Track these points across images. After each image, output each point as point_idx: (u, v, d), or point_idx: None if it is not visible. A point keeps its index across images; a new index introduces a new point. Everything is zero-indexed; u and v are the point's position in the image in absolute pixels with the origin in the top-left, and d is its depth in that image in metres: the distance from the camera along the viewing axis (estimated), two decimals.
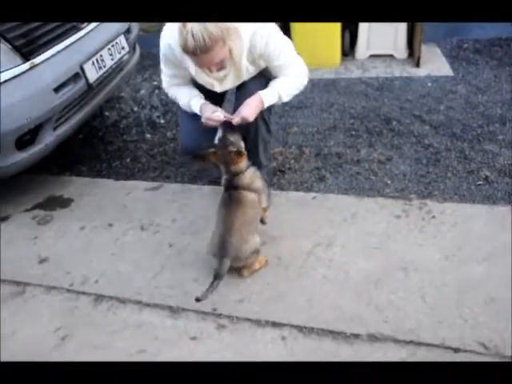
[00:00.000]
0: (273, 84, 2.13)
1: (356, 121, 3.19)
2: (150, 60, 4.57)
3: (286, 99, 2.18)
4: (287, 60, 2.10)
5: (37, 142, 2.49)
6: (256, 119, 2.11)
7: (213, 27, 1.73)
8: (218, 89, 2.15)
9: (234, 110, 2.13)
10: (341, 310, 1.90)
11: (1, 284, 2.22)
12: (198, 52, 1.76)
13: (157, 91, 3.98)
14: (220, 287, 2.00)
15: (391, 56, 4.09)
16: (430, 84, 3.57)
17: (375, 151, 2.86)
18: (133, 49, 3.31)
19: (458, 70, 3.74)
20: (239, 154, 1.99)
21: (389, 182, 2.59)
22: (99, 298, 2.08)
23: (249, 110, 2.04)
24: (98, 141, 3.39)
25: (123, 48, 3.09)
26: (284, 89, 2.14)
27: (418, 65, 3.83)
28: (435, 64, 3.88)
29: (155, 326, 1.93)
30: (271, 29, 2.03)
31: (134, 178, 2.91)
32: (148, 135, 3.36)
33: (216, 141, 2.06)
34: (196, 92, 2.19)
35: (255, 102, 2.07)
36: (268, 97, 2.11)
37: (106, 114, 3.71)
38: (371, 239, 2.22)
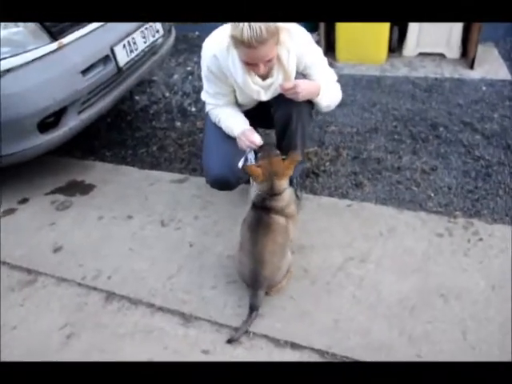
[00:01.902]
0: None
1: (399, 124, 2.95)
2: (184, 44, 4.45)
3: (323, 105, 2.04)
4: (327, 73, 2.05)
5: (60, 126, 2.38)
6: (299, 102, 1.94)
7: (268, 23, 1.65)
8: (264, 97, 1.99)
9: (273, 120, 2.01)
10: (369, 336, 1.71)
11: (6, 271, 2.13)
12: (253, 43, 1.63)
13: (190, 77, 3.83)
14: (240, 299, 1.87)
15: (442, 55, 3.81)
16: (484, 88, 3.28)
17: (419, 159, 2.63)
18: (168, 32, 3.16)
19: None
20: (292, 157, 1.81)
21: (432, 194, 2.37)
22: (110, 296, 1.96)
23: (306, 86, 1.89)
24: (125, 126, 3.27)
25: (157, 31, 2.95)
26: (328, 95, 2.02)
27: (472, 66, 3.54)
28: (491, 66, 3.57)
29: (166, 333, 1.79)
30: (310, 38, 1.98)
31: (159, 168, 2.77)
32: (178, 123, 3.21)
33: (240, 165, 1.93)
34: (241, 115, 2.06)
35: (315, 85, 1.95)
36: (324, 91, 1.97)
37: (136, 98, 3.58)
38: (409, 258, 2.01)
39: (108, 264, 2.12)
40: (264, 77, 1.92)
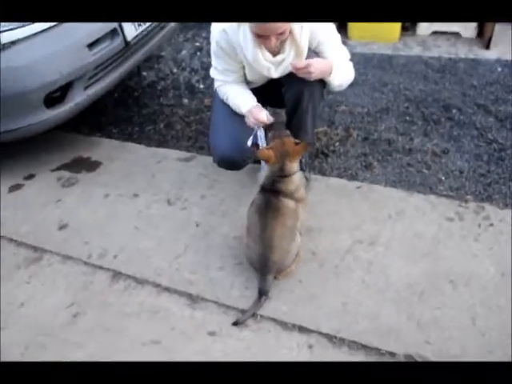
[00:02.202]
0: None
1: (411, 105, 2.88)
2: None
3: (335, 84, 1.98)
4: (340, 51, 1.99)
5: (66, 101, 2.34)
6: (312, 84, 1.89)
7: None
8: (275, 74, 1.93)
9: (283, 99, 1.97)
10: (377, 321, 1.70)
11: (12, 249, 2.12)
12: None
13: (198, 53, 3.75)
14: (247, 280, 1.85)
15: (457, 34, 3.70)
16: (499, 69, 3.19)
17: (430, 141, 2.57)
18: None
19: None
20: (304, 145, 1.77)
21: (443, 178, 2.32)
22: (116, 275, 1.95)
23: (319, 65, 1.83)
24: (132, 102, 3.21)
25: None
26: (340, 73, 1.96)
27: (487, 46, 3.43)
28: (507, 47, 3.46)
29: (173, 313, 1.79)
30: None
31: (166, 146, 2.73)
32: (185, 100, 3.15)
33: (249, 143, 1.89)
34: (249, 92, 2.00)
35: (328, 64, 1.89)
36: (337, 69, 1.91)
37: (144, 73, 3.52)
38: (418, 242, 1.98)
39: (114, 243, 2.11)
40: (275, 53, 1.87)
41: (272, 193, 1.77)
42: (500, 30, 3.49)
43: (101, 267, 1.99)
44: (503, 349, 1.58)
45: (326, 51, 1.95)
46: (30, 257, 2.08)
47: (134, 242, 2.09)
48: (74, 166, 2.62)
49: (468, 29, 3.63)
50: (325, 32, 1.92)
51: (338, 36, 1.99)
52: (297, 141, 1.80)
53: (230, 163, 2.05)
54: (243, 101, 1.97)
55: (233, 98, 2.01)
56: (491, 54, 3.38)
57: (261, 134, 1.94)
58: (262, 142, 1.93)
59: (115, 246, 2.08)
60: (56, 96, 2.30)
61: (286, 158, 1.74)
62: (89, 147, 2.76)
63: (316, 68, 1.81)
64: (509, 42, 3.52)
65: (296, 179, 1.79)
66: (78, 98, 2.37)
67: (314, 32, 1.87)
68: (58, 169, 2.62)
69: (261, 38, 1.73)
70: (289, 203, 1.76)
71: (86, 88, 2.40)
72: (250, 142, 1.91)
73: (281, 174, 1.76)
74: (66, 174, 2.57)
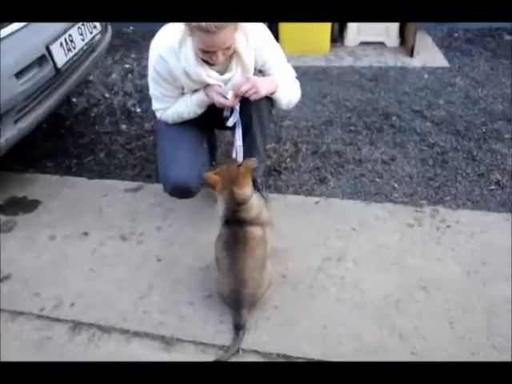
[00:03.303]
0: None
1: (353, 115, 2.95)
2: (119, 39, 4.18)
3: (283, 102, 1.96)
4: (285, 69, 1.98)
5: None
6: (258, 101, 1.84)
7: None
8: None
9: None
10: (361, 339, 1.67)
11: None
12: (212, 27, 1.53)
13: (130, 75, 3.60)
14: (221, 314, 1.75)
15: (381, 44, 3.87)
16: (426, 76, 3.37)
17: (377, 150, 2.64)
18: (105, 28, 2.92)
19: (453, 60, 3.57)
20: (247, 164, 1.70)
21: (396, 185, 2.38)
22: (77, 325, 1.76)
23: (264, 82, 1.80)
24: (65, 132, 2.99)
25: (95, 27, 2.71)
26: (287, 90, 1.95)
27: (411, 54, 3.63)
28: (429, 54, 3.68)
29: (147, 360, 1.64)
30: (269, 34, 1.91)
31: (109, 177, 2.56)
32: (123, 126, 2.99)
33: (229, 118, 1.83)
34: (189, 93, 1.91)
35: (271, 81, 1.86)
36: (282, 86, 1.89)
37: (74, 100, 3.30)
38: (385, 252, 2.00)
39: (69, 289, 1.91)
40: (221, 71, 1.81)
41: (236, 224, 1.68)
42: (420, 38, 3.70)
43: (58, 319, 1.79)
44: (484, 349, 1.61)
45: (271, 69, 1.93)
46: None
47: (92, 286, 1.91)
48: (9, 207, 2.37)
49: (391, 38, 3.81)
50: (270, 50, 1.91)
51: (282, 54, 1.98)
52: (239, 163, 1.73)
53: (184, 191, 1.95)
54: (191, 95, 1.88)
55: (179, 107, 1.92)
56: (416, 62, 3.58)
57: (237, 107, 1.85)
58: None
59: (71, 294, 1.89)
60: None
61: (234, 184, 1.66)
62: (23, 185, 2.52)
63: (261, 86, 1.78)
64: (428, 49, 3.75)
65: (254, 204, 1.71)
66: (8, 134, 2.15)
67: (258, 50, 1.84)
68: None
69: (207, 53, 1.66)
70: (255, 232, 1.68)
71: (16, 121, 2.19)
72: (230, 123, 1.85)
73: (235, 203, 1.67)
74: (0, 217, 2.31)
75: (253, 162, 1.73)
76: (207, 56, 1.68)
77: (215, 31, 1.54)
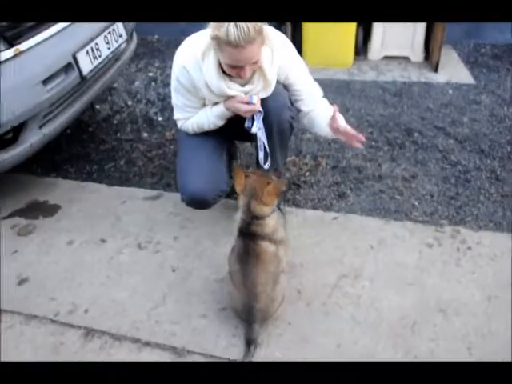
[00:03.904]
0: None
1: (375, 130, 2.92)
2: (144, 48, 4.24)
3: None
4: (311, 86, 1.97)
5: (20, 142, 2.15)
6: (280, 114, 1.86)
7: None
8: None
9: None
10: (375, 359, 1.64)
11: None
12: (241, 42, 1.52)
13: (153, 83, 3.64)
14: (234, 327, 1.74)
15: (406, 58, 3.83)
16: (451, 92, 3.32)
17: (398, 166, 2.60)
18: (130, 36, 2.96)
19: (478, 77, 3.51)
20: (275, 184, 1.66)
21: (416, 203, 2.34)
22: (90, 332, 1.77)
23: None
24: (87, 138, 3.04)
25: (121, 35, 2.75)
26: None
27: (436, 70, 3.58)
28: (454, 69, 3.63)
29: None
30: (292, 48, 1.91)
31: (129, 184, 2.58)
32: (145, 134, 3.02)
33: (251, 127, 1.83)
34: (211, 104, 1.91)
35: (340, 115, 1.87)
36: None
37: (97, 107, 3.35)
38: (403, 272, 1.96)
39: (84, 296, 1.92)
40: (242, 83, 1.81)
41: (249, 237, 1.67)
42: (443, 53, 3.65)
43: (71, 325, 1.80)
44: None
45: (294, 84, 1.92)
46: None
47: (107, 294, 1.93)
48: (30, 211, 2.41)
49: (416, 53, 3.77)
50: (293, 64, 1.89)
51: (307, 71, 1.96)
52: (269, 180, 1.70)
53: (201, 202, 1.95)
54: (212, 107, 1.88)
55: (201, 117, 1.92)
56: (440, 78, 3.53)
57: (259, 116, 1.84)
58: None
59: (86, 300, 1.90)
60: (8, 138, 2.10)
61: (254, 198, 1.65)
62: (44, 189, 2.56)
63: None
64: (453, 65, 3.69)
65: (271, 222, 1.69)
66: (33, 139, 2.19)
67: (282, 66, 1.83)
68: (11, 215, 2.39)
69: (234, 69, 1.66)
70: (268, 247, 1.66)
71: (41, 127, 2.23)
72: (255, 128, 1.84)
73: (250, 215, 1.66)
74: (21, 220, 2.35)
75: (282, 183, 1.71)
76: (234, 72, 1.68)
77: (244, 45, 1.54)
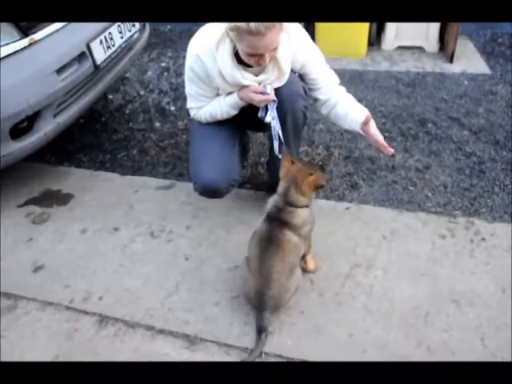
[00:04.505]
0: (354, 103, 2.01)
1: (388, 120, 2.90)
2: (156, 38, 4.24)
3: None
4: (327, 74, 1.96)
5: (34, 131, 2.17)
6: (294, 104, 1.86)
7: None
8: None
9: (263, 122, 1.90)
10: (387, 349, 1.64)
11: None
12: (261, 29, 1.51)
13: (165, 73, 3.64)
14: (246, 315, 1.75)
15: (420, 48, 3.78)
16: (466, 82, 3.28)
17: (411, 157, 2.58)
18: (143, 26, 2.96)
19: (494, 67, 3.45)
20: (317, 177, 1.68)
21: (429, 194, 2.32)
22: (104, 319, 1.79)
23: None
24: (100, 127, 3.05)
25: (134, 25, 2.75)
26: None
27: (451, 60, 3.53)
28: (470, 60, 3.58)
29: (171, 358, 1.65)
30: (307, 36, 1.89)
31: (141, 174, 2.59)
32: (157, 124, 3.03)
33: (265, 117, 1.83)
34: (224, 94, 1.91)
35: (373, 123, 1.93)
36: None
37: (110, 97, 3.37)
38: (416, 262, 1.95)
39: (98, 283, 1.95)
40: (256, 73, 1.80)
41: (276, 223, 1.67)
42: (459, 43, 3.59)
43: (85, 312, 1.82)
44: None
45: (311, 73, 1.91)
46: (3, 305, 1.88)
47: (120, 282, 1.94)
48: (44, 199, 2.43)
49: (431, 43, 3.72)
50: (309, 53, 1.88)
51: (322, 57, 1.95)
52: (312, 171, 1.70)
53: (213, 192, 1.95)
54: (226, 97, 1.88)
55: (213, 106, 1.92)
56: (455, 68, 3.48)
57: (273, 105, 1.84)
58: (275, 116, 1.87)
59: (100, 287, 1.92)
60: (23, 126, 2.12)
61: (293, 185, 1.67)
62: (58, 178, 2.58)
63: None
64: (469, 55, 3.64)
65: (303, 214, 1.69)
66: (48, 127, 2.21)
67: (296, 53, 1.82)
68: (26, 204, 2.42)
69: (254, 57, 1.65)
70: (292, 237, 1.67)
71: (55, 116, 2.24)
72: (269, 117, 1.84)
73: (286, 202, 1.67)
74: (35, 209, 2.38)
75: (324, 178, 1.70)
76: (254, 60, 1.66)
77: (264, 33, 1.53)
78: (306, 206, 1.71)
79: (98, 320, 1.79)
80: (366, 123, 1.86)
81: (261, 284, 1.64)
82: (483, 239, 2.05)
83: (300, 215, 1.68)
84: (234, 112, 1.91)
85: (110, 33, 2.47)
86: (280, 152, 1.93)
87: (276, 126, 1.87)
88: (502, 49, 3.73)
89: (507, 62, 3.50)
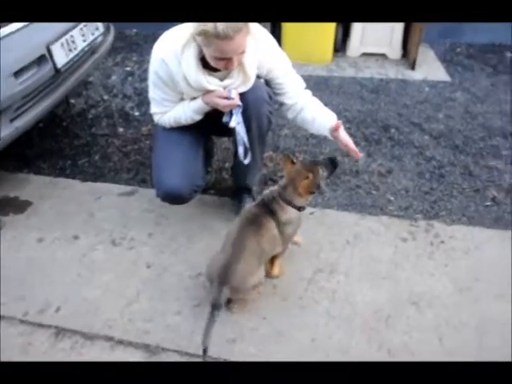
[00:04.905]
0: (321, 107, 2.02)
1: (352, 125, 2.94)
2: (122, 42, 4.18)
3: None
4: (293, 78, 1.95)
5: None
6: (259, 109, 1.86)
7: None
8: None
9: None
10: (349, 353, 1.65)
11: None
12: (230, 33, 1.50)
13: (130, 78, 3.59)
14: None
15: (383, 55, 3.86)
16: (427, 89, 3.36)
17: (374, 162, 2.61)
18: (107, 29, 2.91)
19: (454, 75, 3.56)
20: (308, 182, 1.72)
21: (391, 198, 2.36)
22: (60, 332, 1.73)
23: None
24: (61, 132, 2.97)
25: (97, 28, 2.70)
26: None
27: (413, 67, 3.62)
28: (431, 67, 3.68)
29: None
30: (274, 41, 1.88)
31: (103, 180, 2.53)
32: (120, 129, 2.98)
33: (230, 122, 1.81)
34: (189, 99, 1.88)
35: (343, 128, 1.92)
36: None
37: (72, 101, 3.29)
38: (378, 266, 1.98)
39: (55, 294, 1.88)
40: (221, 78, 1.79)
41: (266, 210, 1.72)
42: (420, 51, 3.69)
43: (41, 325, 1.75)
44: None
45: (277, 77, 1.91)
46: None
47: (79, 292, 1.88)
48: (0, 207, 2.35)
49: (394, 50, 3.80)
50: (275, 58, 1.88)
51: (289, 64, 1.95)
52: (308, 175, 1.73)
53: (176, 198, 1.93)
54: (190, 102, 1.86)
55: (177, 111, 1.89)
56: (417, 75, 3.57)
57: (238, 110, 1.82)
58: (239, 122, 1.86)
59: (57, 299, 1.86)
60: None
61: (291, 184, 1.73)
62: (15, 185, 2.49)
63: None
64: (430, 62, 3.74)
65: (292, 213, 1.74)
66: (4, 132, 2.13)
67: (263, 58, 1.82)
68: None
69: (222, 61, 1.64)
70: (274, 230, 1.72)
71: (12, 120, 2.17)
72: (234, 122, 1.83)
73: (282, 196, 1.72)
74: None
75: (313, 183, 1.73)
76: (222, 64, 1.64)
77: (232, 36, 1.52)
78: (299, 209, 1.76)
79: (54, 333, 1.73)
80: (335, 129, 1.87)
81: (230, 257, 1.64)
82: (442, 242, 2.10)
83: (288, 213, 1.73)
84: (198, 117, 1.89)
85: (71, 35, 2.42)
86: (245, 158, 1.92)
87: (241, 131, 1.86)
88: (460, 58, 3.85)
89: (465, 71, 3.62)
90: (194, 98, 1.84)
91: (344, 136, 1.90)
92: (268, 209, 1.73)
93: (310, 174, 1.72)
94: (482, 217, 2.23)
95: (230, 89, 1.77)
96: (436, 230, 2.16)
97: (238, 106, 1.80)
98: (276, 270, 1.91)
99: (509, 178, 2.47)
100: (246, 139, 1.89)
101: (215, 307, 1.63)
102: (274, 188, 1.79)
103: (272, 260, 1.87)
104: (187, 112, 1.87)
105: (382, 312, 1.79)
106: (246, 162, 1.94)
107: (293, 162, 1.79)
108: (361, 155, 1.91)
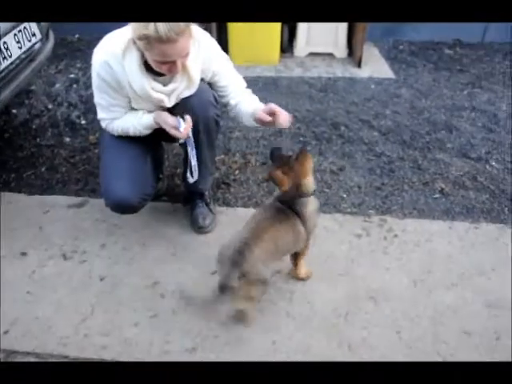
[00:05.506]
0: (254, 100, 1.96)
1: (302, 125, 2.97)
2: (64, 48, 4.04)
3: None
4: (236, 79, 1.96)
5: None
6: (205, 113, 1.85)
7: None
8: (169, 104, 1.82)
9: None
10: (310, 352, 1.66)
11: None
12: (172, 36, 1.48)
13: (75, 85, 3.47)
14: (166, 334, 1.69)
15: (330, 55, 3.93)
16: (373, 86, 3.45)
17: (326, 160, 2.65)
18: (46, 36, 2.80)
19: (398, 72, 3.67)
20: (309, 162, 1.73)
21: (344, 195, 2.40)
22: (10, 355, 1.65)
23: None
24: (4, 144, 2.83)
25: (34, 34, 2.59)
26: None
27: (359, 65, 3.70)
28: (376, 65, 3.77)
29: None
30: (216, 45, 1.89)
31: (51, 192, 2.43)
32: (67, 139, 2.87)
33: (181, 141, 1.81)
34: (141, 111, 1.84)
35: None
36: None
37: (14, 111, 3.14)
38: (334, 264, 2.00)
39: (4, 316, 1.78)
40: (165, 82, 1.76)
41: (288, 204, 1.73)
42: (367, 49, 3.79)
43: None
44: (429, 357, 1.64)
45: (221, 80, 1.91)
46: None
47: (30, 311, 1.80)
48: None
49: (340, 49, 3.88)
50: (219, 61, 1.88)
51: (231, 65, 1.95)
52: (290, 154, 1.72)
53: (126, 207, 1.88)
54: (141, 117, 1.82)
55: (127, 122, 1.84)
56: (363, 73, 3.65)
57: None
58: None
59: (6, 320, 1.76)
60: None
61: (302, 176, 1.70)
62: None
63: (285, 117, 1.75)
64: (375, 60, 3.84)
65: (311, 205, 1.74)
66: None
67: (207, 62, 1.81)
68: None
69: (165, 65, 1.60)
70: (299, 226, 1.72)
71: None
72: (182, 141, 1.82)
73: (299, 193, 1.70)
74: None
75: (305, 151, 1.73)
76: (165, 68, 1.61)
77: (175, 39, 1.49)
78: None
79: (4, 356, 1.64)
80: (255, 114, 1.82)
81: (248, 238, 1.61)
82: (395, 236, 2.15)
83: (312, 203, 1.74)
84: (146, 132, 1.86)
85: (5, 42, 2.31)
86: (192, 176, 1.91)
87: (192, 152, 1.86)
88: (403, 55, 3.98)
89: (409, 67, 3.74)
90: (145, 113, 1.81)
91: (266, 109, 1.79)
92: (286, 203, 1.73)
93: (298, 157, 1.71)
94: (432, 209, 2.31)
95: (179, 120, 1.75)
96: (389, 224, 2.22)
97: (189, 137, 1.80)
98: (303, 271, 1.90)
99: (455, 170, 2.56)
100: (194, 162, 1.88)
101: (223, 288, 1.56)
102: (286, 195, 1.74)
103: (296, 261, 1.87)
104: (137, 126, 1.83)
105: (341, 309, 1.81)
106: (191, 181, 1.93)
107: (279, 167, 1.72)
108: (290, 118, 1.77)
